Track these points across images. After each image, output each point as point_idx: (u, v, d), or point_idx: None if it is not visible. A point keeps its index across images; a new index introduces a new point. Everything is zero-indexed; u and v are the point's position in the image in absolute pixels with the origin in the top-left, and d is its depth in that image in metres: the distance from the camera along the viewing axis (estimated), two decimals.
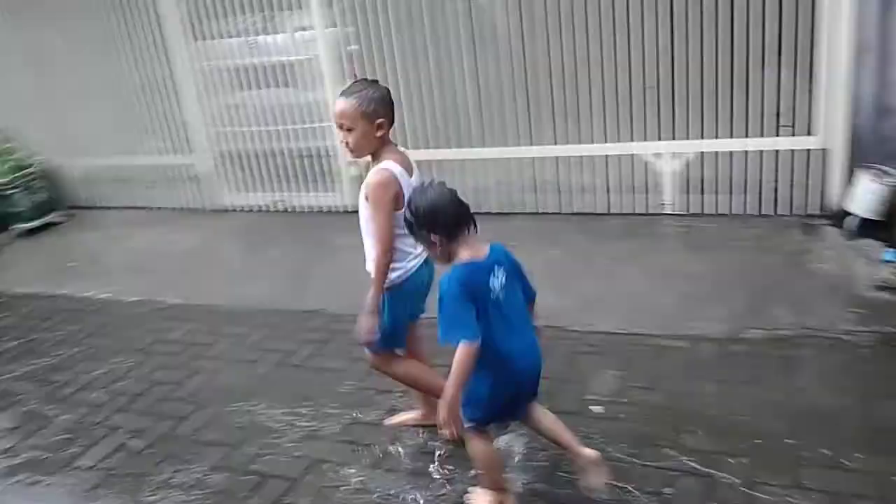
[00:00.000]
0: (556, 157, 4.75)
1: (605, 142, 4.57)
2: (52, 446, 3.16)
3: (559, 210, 4.86)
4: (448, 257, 2.19)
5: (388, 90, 2.54)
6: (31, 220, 6.04)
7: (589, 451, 2.33)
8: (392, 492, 2.60)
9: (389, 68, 4.92)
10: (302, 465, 2.80)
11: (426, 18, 4.75)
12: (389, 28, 4.87)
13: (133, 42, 5.74)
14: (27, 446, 3.19)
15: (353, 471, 2.73)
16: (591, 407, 2.91)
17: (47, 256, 5.73)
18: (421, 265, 2.57)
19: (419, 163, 2.68)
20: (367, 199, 2.48)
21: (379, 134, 2.47)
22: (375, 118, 2.45)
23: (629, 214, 4.68)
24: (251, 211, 5.82)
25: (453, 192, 2.20)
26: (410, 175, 2.51)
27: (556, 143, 4.71)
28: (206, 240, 5.50)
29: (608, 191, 4.68)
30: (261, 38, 5.29)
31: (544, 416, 2.40)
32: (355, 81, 2.63)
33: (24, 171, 6.01)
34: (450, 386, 2.10)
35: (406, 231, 2.28)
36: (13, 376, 3.85)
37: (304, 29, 5.11)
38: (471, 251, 2.16)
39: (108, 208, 6.40)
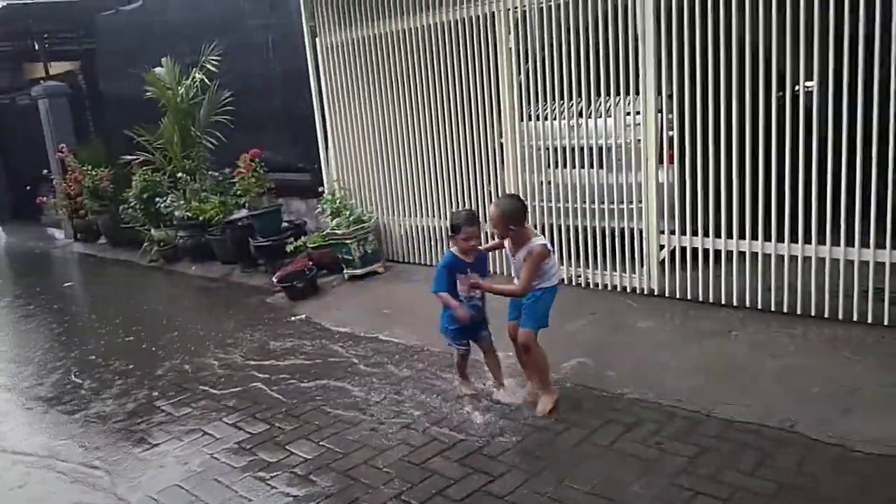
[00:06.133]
0: None
1: None
2: None
3: None
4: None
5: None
6: (359, 267, 6.87)
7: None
8: None
9: (700, 152, 4.99)
10: None
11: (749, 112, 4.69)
12: (707, 116, 4.89)
13: (472, 117, 6.33)
14: None
15: None
16: None
17: (368, 300, 6.47)
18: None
19: None
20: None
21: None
22: None
23: None
24: None
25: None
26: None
27: None
28: None
29: None
30: (583, 120, 5.54)
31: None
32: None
33: (361, 226, 6.87)
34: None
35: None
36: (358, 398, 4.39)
37: (628, 114, 5.26)
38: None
39: (419, 264, 7.09)
